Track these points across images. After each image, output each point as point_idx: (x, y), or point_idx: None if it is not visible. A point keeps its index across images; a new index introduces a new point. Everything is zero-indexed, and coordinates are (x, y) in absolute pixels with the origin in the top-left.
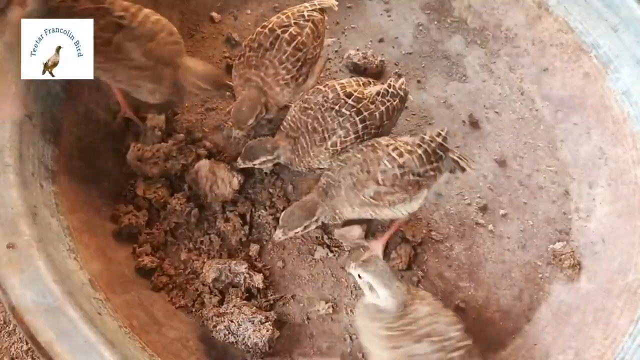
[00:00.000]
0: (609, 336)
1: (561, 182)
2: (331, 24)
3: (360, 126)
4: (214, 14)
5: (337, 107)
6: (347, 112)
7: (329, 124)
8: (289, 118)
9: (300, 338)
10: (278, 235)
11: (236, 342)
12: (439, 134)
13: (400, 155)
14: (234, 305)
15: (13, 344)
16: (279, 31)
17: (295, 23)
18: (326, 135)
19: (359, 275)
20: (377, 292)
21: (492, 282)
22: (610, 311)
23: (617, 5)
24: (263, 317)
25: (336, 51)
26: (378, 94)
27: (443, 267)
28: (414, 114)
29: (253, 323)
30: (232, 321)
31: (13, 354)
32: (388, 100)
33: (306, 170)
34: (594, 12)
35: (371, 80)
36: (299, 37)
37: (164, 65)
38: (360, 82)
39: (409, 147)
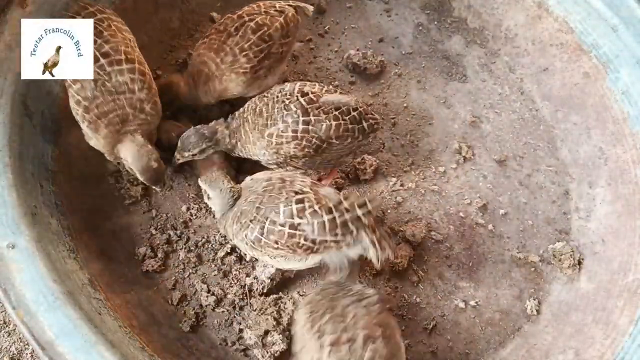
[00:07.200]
0: (609, 336)
1: (561, 182)
2: (331, 24)
3: (300, 127)
4: (214, 14)
5: (286, 102)
6: (294, 109)
7: (274, 114)
8: (245, 106)
9: None
10: None
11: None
12: (363, 204)
13: (301, 212)
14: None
15: (13, 343)
16: (246, 18)
17: (265, 12)
18: (268, 123)
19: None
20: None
21: (492, 282)
22: (610, 311)
23: (617, 5)
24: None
25: (336, 51)
26: (337, 109)
27: (443, 267)
28: (414, 114)
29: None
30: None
31: (13, 354)
32: (344, 120)
33: (245, 156)
34: (594, 12)
35: (340, 92)
36: (266, 28)
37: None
38: (324, 89)
39: (316, 207)
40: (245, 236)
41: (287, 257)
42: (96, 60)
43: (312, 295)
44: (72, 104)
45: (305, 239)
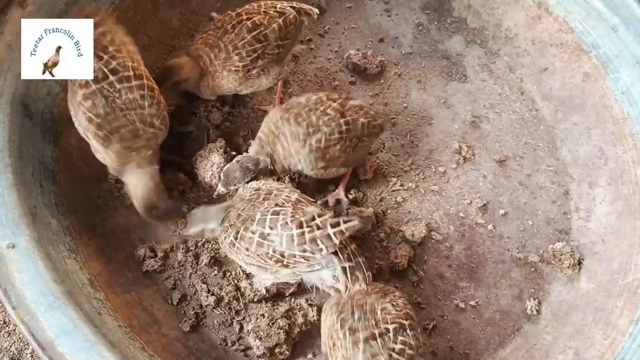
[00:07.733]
0: (609, 336)
1: (561, 182)
2: (331, 24)
3: (344, 128)
4: (214, 14)
5: (321, 108)
6: (332, 113)
7: (314, 121)
8: (265, 128)
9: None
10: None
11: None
12: (336, 224)
13: (272, 223)
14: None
15: (13, 343)
16: (244, 16)
17: (264, 12)
18: (310, 130)
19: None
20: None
21: (492, 282)
22: (610, 311)
23: (617, 5)
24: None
25: (336, 51)
26: (361, 108)
27: (443, 267)
28: (414, 114)
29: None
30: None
31: (13, 353)
32: (370, 119)
33: (287, 172)
34: (594, 12)
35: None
36: (262, 28)
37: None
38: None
39: (288, 220)
40: (224, 239)
41: (260, 266)
42: (105, 77)
43: (337, 297)
44: (83, 121)
45: (274, 251)
